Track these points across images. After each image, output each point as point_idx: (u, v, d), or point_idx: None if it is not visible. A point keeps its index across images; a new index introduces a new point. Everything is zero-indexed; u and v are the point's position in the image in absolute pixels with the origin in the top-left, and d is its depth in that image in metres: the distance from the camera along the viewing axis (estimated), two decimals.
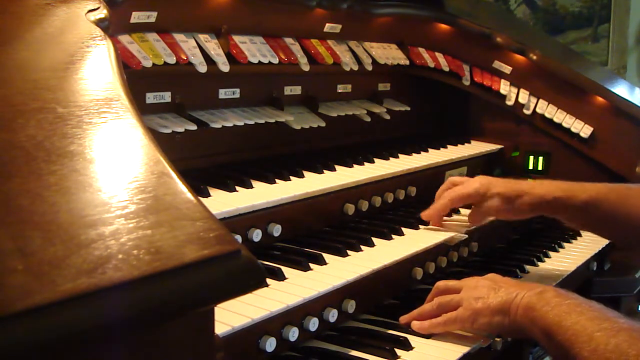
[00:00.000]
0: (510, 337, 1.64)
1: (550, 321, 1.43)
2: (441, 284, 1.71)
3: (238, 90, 2.13)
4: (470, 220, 2.05)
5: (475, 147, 2.72)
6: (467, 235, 2.03)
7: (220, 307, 1.01)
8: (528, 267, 2.21)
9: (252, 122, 2.06)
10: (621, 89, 2.74)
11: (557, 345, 1.41)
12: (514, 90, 2.73)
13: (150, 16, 1.80)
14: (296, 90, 2.34)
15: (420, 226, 2.01)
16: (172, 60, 1.81)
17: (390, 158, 2.30)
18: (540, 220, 2.43)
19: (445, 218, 2.06)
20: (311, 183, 1.90)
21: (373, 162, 2.22)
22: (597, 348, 1.33)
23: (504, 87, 2.73)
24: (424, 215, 2.01)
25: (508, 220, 2.19)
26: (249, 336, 1.38)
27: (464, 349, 1.57)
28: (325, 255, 1.68)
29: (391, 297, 1.87)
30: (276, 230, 1.74)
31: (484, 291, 1.59)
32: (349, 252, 1.74)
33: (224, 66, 1.94)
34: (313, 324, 1.53)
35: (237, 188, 1.76)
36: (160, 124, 1.83)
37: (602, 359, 1.31)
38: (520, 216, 2.04)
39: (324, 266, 1.65)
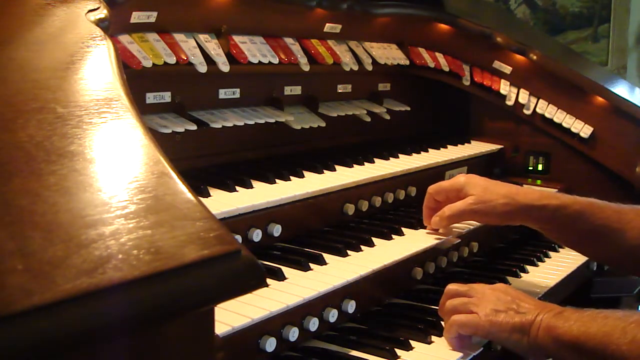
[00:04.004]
0: (525, 355, 1.63)
1: (576, 333, 1.44)
2: (452, 290, 1.67)
3: (238, 90, 2.13)
4: (437, 219, 1.90)
5: (475, 147, 2.72)
6: (459, 240, 2.01)
7: (220, 307, 1.01)
8: (528, 267, 2.21)
9: (252, 122, 2.06)
10: (621, 89, 2.74)
11: (589, 353, 1.42)
12: (514, 90, 2.73)
13: (150, 16, 1.80)
14: (296, 90, 2.34)
15: (419, 227, 2.01)
16: (172, 60, 1.81)
17: (390, 158, 2.30)
18: None
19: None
20: (311, 183, 1.90)
21: (373, 162, 2.22)
22: (635, 338, 1.35)
23: (504, 87, 2.73)
24: (426, 222, 1.98)
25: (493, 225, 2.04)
26: (249, 336, 1.38)
27: (464, 349, 1.57)
28: (325, 255, 1.68)
29: (391, 297, 1.87)
30: (276, 230, 1.74)
31: (501, 305, 1.57)
32: (349, 252, 1.74)
33: (224, 66, 1.94)
34: (313, 324, 1.53)
35: (237, 188, 1.76)
36: (160, 124, 1.83)
37: None
38: (497, 220, 1.89)
39: (324, 266, 1.65)
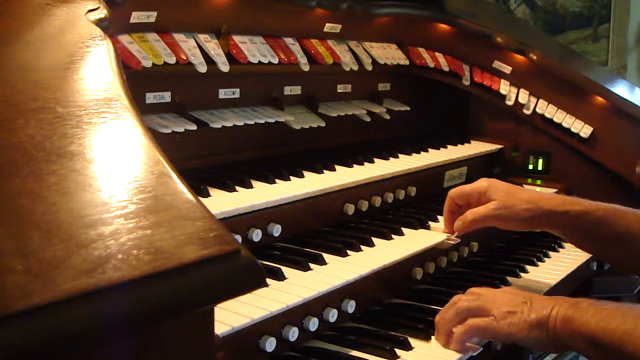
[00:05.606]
0: (547, 350, 1.61)
1: (594, 327, 1.43)
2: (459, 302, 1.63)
3: (238, 90, 2.13)
4: (460, 224, 1.87)
5: (475, 147, 2.72)
6: (459, 240, 2.00)
7: (220, 307, 1.01)
8: (528, 267, 2.21)
9: (252, 122, 2.06)
10: (621, 89, 2.74)
11: (606, 350, 1.40)
12: (514, 90, 2.73)
13: (150, 16, 1.80)
14: (296, 90, 2.34)
15: (419, 227, 2.00)
16: (172, 60, 1.81)
17: (390, 158, 2.30)
18: None
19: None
20: (311, 183, 1.90)
21: (373, 162, 2.22)
22: None
23: (504, 87, 2.73)
24: (446, 225, 1.95)
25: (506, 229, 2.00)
26: (249, 336, 1.38)
27: (465, 350, 1.57)
28: (325, 255, 1.68)
29: (391, 297, 1.87)
30: (276, 230, 1.74)
31: (515, 305, 1.54)
32: (349, 252, 1.74)
33: (224, 66, 1.94)
34: (313, 324, 1.53)
35: (237, 188, 1.76)
36: (160, 124, 1.83)
37: None
38: (519, 226, 1.88)
39: (324, 266, 1.65)
